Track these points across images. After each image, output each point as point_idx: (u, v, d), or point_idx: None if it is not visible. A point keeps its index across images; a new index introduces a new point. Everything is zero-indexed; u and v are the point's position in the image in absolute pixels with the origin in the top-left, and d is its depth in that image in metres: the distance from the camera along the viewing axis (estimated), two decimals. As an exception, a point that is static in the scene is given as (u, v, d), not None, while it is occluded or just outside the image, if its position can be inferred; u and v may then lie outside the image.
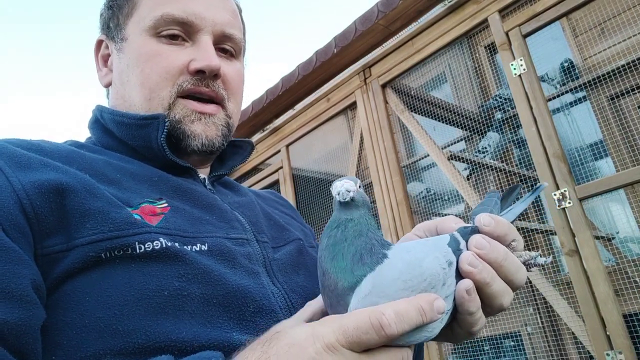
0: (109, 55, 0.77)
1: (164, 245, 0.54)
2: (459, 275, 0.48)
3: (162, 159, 0.68)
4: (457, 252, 0.49)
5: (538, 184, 0.61)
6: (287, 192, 3.06)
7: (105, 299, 0.49)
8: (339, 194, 0.49)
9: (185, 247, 0.56)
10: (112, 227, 0.53)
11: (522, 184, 2.42)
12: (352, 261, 0.46)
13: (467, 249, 0.49)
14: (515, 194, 0.61)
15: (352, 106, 2.78)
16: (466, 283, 0.46)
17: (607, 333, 1.64)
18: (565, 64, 2.35)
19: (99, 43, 0.78)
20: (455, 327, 0.48)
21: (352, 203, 0.49)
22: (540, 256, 0.56)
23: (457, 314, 0.48)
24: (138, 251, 0.53)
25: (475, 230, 0.51)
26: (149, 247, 0.53)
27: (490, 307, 0.49)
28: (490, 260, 0.48)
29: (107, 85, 0.78)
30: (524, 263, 0.53)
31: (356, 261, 0.46)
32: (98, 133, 0.73)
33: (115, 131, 0.70)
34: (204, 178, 0.75)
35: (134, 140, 0.68)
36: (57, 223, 0.52)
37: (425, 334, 0.44)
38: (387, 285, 0.45)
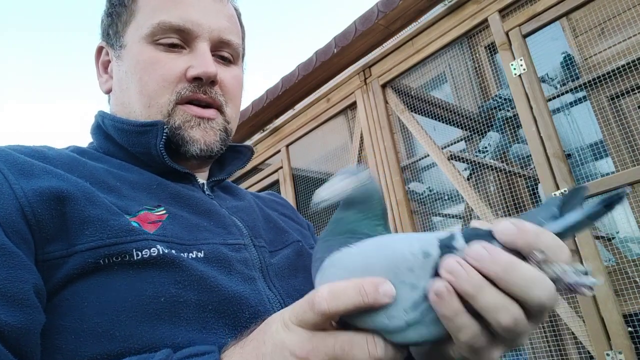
0: (109, 61, 0.77)
1: (161, 252, 0.55)
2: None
3: (161, 165, 0.68)
4: (447, 248, 0.43)
5: (619, 190, 0.43)
6: (287, 192, 3.06)
7: (103, 305, 0.50)
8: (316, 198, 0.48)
9: (182, 254, 0.57)
10: (110, 234, 0.54)
11: (524, 183, 2.42)
12: (323, 252, 0.47)
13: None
14: (579, 198, 0.46)
15: (352, 106, 2.78)
16: (436, 285, 0.40)
17: (607, 333, 1.64)
18: (565, 59, 2.34)
19: (99, 49, 0.79)
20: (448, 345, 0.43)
21: (347, 200, 0.49)
22: (577, 273, 0.40)
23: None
24: (135, 258, 0.54)
25: (490, 235, 0.43)
26: (146, 254, 0.54)
27: (489, 324, 0.41)
28: (487, 273, 0.41)
29: (108, 92, 0.78)
30: (554, 281, 0.42)
31: (326, 250, 0.47)
32: (99, 139, 0.74)
33: (116, 137, 0.71)
34: (203, 183, 0.75)
35: (133, 147, 0.69)
36: (58, 230, 0.53)
37: (383, 320, 0.41)
38: (346, 258, 0.45)
